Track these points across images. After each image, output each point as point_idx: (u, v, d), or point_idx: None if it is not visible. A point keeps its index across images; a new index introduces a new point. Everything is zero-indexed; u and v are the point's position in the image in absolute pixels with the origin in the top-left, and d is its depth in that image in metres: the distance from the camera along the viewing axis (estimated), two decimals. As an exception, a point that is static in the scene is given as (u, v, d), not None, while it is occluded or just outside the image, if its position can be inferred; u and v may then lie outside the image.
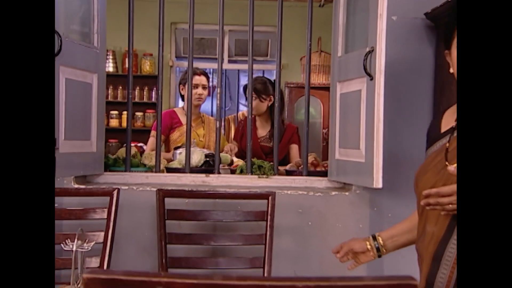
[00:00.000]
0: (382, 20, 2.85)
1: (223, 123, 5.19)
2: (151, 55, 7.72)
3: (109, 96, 7.65)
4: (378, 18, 2.86)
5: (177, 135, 4.37)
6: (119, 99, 7.73)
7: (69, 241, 2.04)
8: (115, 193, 2.95)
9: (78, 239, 2.03)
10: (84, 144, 3.20)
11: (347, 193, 3.29)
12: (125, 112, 7.71)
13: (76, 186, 3.23)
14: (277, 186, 3.44)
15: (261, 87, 4.41)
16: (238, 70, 9.13)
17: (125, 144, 3.60)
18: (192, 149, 3.58)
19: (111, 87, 7.65)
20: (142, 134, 7.70)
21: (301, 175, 3.55)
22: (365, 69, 2.94)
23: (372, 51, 2.92)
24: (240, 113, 10.04)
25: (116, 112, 7.68)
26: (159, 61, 3.59)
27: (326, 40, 7.91)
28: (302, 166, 3.63)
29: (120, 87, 7.72)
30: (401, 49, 3.29)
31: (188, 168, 3.52)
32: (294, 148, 4.46)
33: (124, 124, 7.70)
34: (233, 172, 3.64)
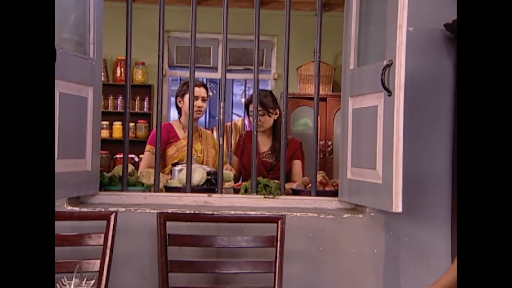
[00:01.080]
0: (402, 32, 2.65)
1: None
2: (143, 64, 7.48)
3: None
4: (397, 30, 2.65)
5: (174, 150, 4.14)
6: (110, 109, 7.49)
7: (65, 279, 1.81)
8: (112, 217, 2.72)
9: (75, 277, 1.80)
10: (78, 163, 2.97)
11: (360, 216, 3.08)
12: (115, 123, 7.48)
13: (70, 208, 2.99)
14: (285, 207, 3.23)
15: (269, 101, 4.19)
16: (232, 79, 8.92)
17: (116, 157, 3.37)
18: (193, 167, 3.36)
19: (102, 96, 7.40)
20: (133, 145, 7.43)
21: (310, 195, 3.33)
22: (383, 84, 2.73)
23: (390, 64, 2.71)
24: (234, 121, 9.93)
25: (106, 122, 7.43)
26: (159, 72, 3.39)
27: (323, 50, 7.75)
28: (310, 185, 3.42)
29: (111, 97, 7.49)
30: (418, 62, 3.08)
31: (189, 188, 3.29)
32: (297, 164, 4.25)
33: (115, 134, 7.46)
34: (236, 191, 3.41)
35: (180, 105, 4.24)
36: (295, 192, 3.42)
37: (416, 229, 3.05)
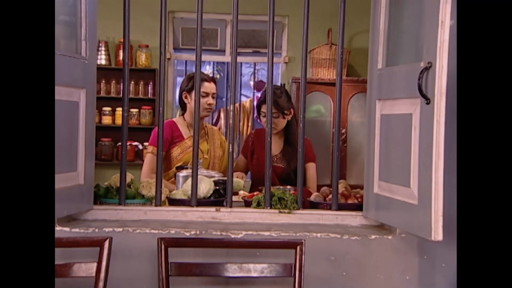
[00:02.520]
0: (444, 29, 2.26)
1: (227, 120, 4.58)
2: (147, 46, 7.07)
3: (102, 91, 7.03)
4: (439, 27, 2.26)
5: (178, 152, 3.77)
6: (113, 94, 7.09)
7: None
8: (106, 243, 2.36)
9: None
10: (69, 177, 2.61)
11: (389, 237, 2.70)
12: (118, 109, 7.10)
13: (59, 228, 2.62)
14: (302, 224, 2.86)
15: (284, 101, 3.81)
16: (241, 63, 8.53)
17: (119, 144, 2.99)
18: (199, 177, 2.98)
19: (104, 81, 7.02)
20: (137, 132, 7.11)
21: (330, 209, 2.96)
22: (420, 89, 2.34)
23: (429, 67, 2.32)
24: (242, 102, 9.55)
25: (109, 108, 7.06)
26: (160, 76, 2.99)
27: (336, 31, 7.30)
28: (330, 196, 3.05)
29: (113, 81, 7.09)
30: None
31: (195, 201, 2.92)
32: (311, 168, 3.88)
33: (118, 121, 7.07)
34: (248, 203, 3.05)
35: (186, 102, 3.85)
36: (313, 205, 3.06)
37: (455, 253, 2.66)
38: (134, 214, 2.86)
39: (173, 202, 3.01)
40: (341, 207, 2.97)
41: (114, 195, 2.96)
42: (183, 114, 3.95)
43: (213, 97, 3.85)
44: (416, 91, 2.36)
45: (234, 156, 3.19)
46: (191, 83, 3.71)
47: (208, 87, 3.81)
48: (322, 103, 6.92)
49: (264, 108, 3.90)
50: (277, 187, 3.37)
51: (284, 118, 3.81)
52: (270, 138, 3.02)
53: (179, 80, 8.11)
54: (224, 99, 9.06)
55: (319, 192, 3.18)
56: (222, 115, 9.55)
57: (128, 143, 7.12)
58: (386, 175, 2.69)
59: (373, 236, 2.70)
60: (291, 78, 7.04)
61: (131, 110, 7.16)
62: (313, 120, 6.80)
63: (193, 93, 3.67)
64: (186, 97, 3.82)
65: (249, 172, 4.09)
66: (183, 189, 3.03)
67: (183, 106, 3.93)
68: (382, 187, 2.72)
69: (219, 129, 8.37)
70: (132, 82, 7.16)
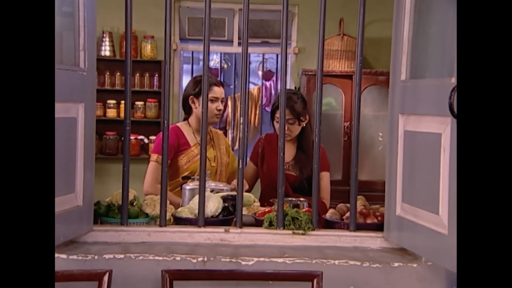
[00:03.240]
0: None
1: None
2: (152, 37, 6.84)
3: (106, 84, 6.82)
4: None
5: (185, 161, 3.56)
6: (117, 86, 6.87)
7: None
8: (105, 278, 2.16)
9: None
10: (66, 200, 2.40)
11: (414, 265, 2.49)
12: (123, 102, 6.89)
13: (56, 255, 2.41)
14: (318, 247, 2.66)
15: (300, 106, 3.59)
16: (249, 53, 8.26)
17: (120, 191, 2.78)
18: (206, 194, 2.77)
19: (108, 73, 6.81)
20: (143, 126, 6.92)
21: (347, 229, 2.76)
22: (451, 109, 2.11)
23: (462, 85, 2.09)
24: (250, 90, 9.30)
25: (114, 101, 6.84)
26: (166, 68, 2.77)
27: (348, 21, 7.09)
28: (347, 214, 2.84)
29: (118, 73, 6.86)
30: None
31: (202, 221, 2.72)
32: (325, 177, 3.66)
33: (123, 114, 6.86)
34: (259, 223, 2.84)
35: (193, 107, 3.61)
36: (329, 224, 2.85)
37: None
38: (137, 236, 2.66)
39: (179, 221, 2.81)
40: (359, 227, 2.76)
41: (116, 214, 2.76)
42: (187, 119, 3.73)
43: (222, 102, 3.63)
44: (446, 109, 2.13)
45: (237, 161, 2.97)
46: (198, 87, 3.47)
47: (218, 91, 3.59)
48: (333, 96, 6.70)
49: (278, 114, 3.70)
50: (290, 199, 3.17)
51: (299, 125, 3.59)
52: (284, 145, 2.80)
53: (186, 68, 7.89)
54: (231, 87, 8.86)
55: (335, 208, 2.97)
56: (229, 103, 9.35)
57: (133, 137, 6.94)
58: (410, 197, 2.48)
59: (396, 264, 2.49)
60: (300, 70, 6.82)
61: (137, 103, 6.97)
62: (324, 113, 6.48)
63: (201, 98, 3.46)
64: (193, 102, 3.59)
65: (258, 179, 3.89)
66: (189, 207, 2.83)
67: (187, 110, 3.70)
68: (405, 209, 2.50)
69: (226, 119, 8.18)
70: (137, 74, 6.95)
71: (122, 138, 6.87)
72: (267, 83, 8.97)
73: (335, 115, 6.65)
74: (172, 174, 3.56)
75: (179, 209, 2.88)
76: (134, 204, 2.83)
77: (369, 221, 2.80)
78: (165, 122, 2.76)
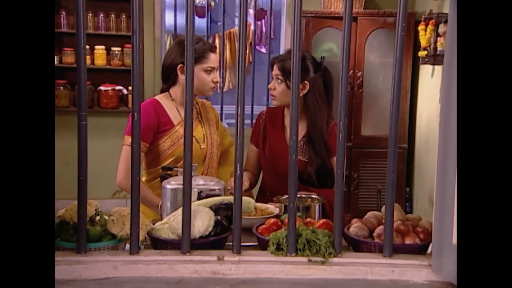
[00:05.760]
0: None
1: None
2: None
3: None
4: None
5: (168, 144, 2.84)
6: (90, 29, 6.01)
7: None
8: None
9: None
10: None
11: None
12: (97, 47, 6.08)
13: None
14: (342, 281, 1.98)
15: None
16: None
17: (100, 88, 2.07)
18: (193, 208, 2.06)
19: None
20: (121, 74, 6.17)
21: (380, 252, 2.07)
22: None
23: None
24: (233, 30, 8.57)
25: (86, 46, 6.03)
26: None
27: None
28: (378, 230, 2.15)
29: (90, 14, 6.02)
30: None
31: (188, 246, 2.02)
32: None
33: (98, 61, 6.08)
34: (262, 243, 2.15)
35: (182, 78, 2.83)
36: (355, 244, 2.16)
37: None
38: (98, 270, 1.95)
39: (157, 243, 2.11)
40: (396, 249, 2.07)
41: (71, 235, 2.05)
42: (166, 90, 2.97)
43: (217, 70, 2.89)
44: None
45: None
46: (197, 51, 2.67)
47: (214, 60, 2.84)
48: (335, 41, 5.97)
49: (273, 70, 2.97)
50: (298, 195, 2.46)
51: (288, 88, 2.81)
52: (297, 124, 2.06)
53: (169, 3, 7.00)
54: (219, 23, 8.08)
55: (361, 218, 2.27)
56: (217, 41, 8.60)
57: (110, 87, 6.17)
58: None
59: (452, 315, 1.82)
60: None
61: (113, 48, 6.21)
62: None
63: (196, 67, 2.70)
64: (183, 72, 2.81)
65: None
66: (170, 225, 2.12)
67: (171, 80, 2.94)
68: (466, 239, 1.81)
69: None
70: (112, 15, 6.14)
71: (98, 88, 6.19)
72: (259, 23, 8.27)
73: (336, 62, 5.87)
74: (153, 161, 2.86)
75: (157, 225, 2.17)
76: (97, 221, 2.11)
77: (408, 241, 2.11)
78: (136, 94, 2.00)
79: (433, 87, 5.41)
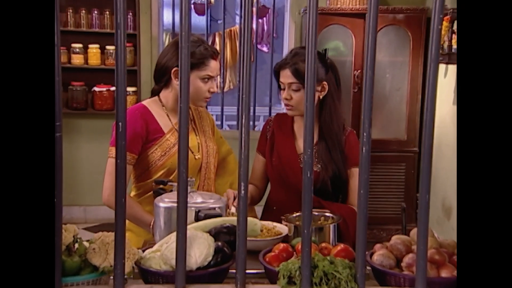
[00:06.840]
0: None
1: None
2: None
3: (70, 24, 5.69)
4: None
5: (159, 154, 2.52)
6: (84, 27, 5.75)
7: None
8: None
9: None
10: None
11: None
12: (91, 46, 5.77)
13: None
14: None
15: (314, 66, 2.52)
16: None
17: (94, 89, 1.80)
18: (190, 234, 1.74)
19: (71, 10, 5.67)
20: (113, 75, 5.85)
21: (412, 287, 1.75)
22: None
23: None
24: (234, 28, 8.32)
25: (79, 45, 5.74)
26: None
27: None
28: (407, 259, 1.83)
29: (83, 10, 5.73)
30: None
31: (183, 281, 1.70)
32: (357, 173, 2.59)
33: (92, 61, 5.77)
34: (270, 275, 1.83)
35: (177, 82, 2.49)
36: (379, 275, 1.84)
37: None
38: (76, 311, 1.64)
39: (146, 275, 1.79)
40: (431, 285, 1.75)
41: (44, 267, 1.73)
42: (156, 94, 2.65)
43: (215, 80, 2.57)
44: None
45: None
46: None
47: (215, 68, 2.52)
48: (342, 39, 5.67)
49: (283, 77, 2.65)
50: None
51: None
52: (312, 131, 1.73)
53: (167, 1, 6.68)
54: (220, 22, 7.82)
55: (388, 242, 1.95)
56: (217, 39, 8.34)
57: (105, 88, 5.86)
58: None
59: None
60: (302, 7, 5.80)
61: (107, 47, 5.90)
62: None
63: (193, 74, 2.39)
64: (177, 76, 2.47)
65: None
66: (162, 254, 1.79)
67: (162, 82, 2.61)
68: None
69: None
70: (107, 12, 5.83)
71: (92, 89, 5.87)
72: (261, 21, 8.03)
73: (343, 62, 5.64)
74: (142, 174, 2.54)
75: (147, 254, 1.85)
76: (75, 250, 1.79)
77: (445, 273, 1.78)
78: (120, 98, 1.68)
79: (446, 88, 5.09)
